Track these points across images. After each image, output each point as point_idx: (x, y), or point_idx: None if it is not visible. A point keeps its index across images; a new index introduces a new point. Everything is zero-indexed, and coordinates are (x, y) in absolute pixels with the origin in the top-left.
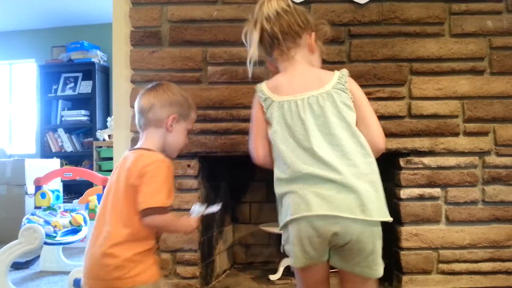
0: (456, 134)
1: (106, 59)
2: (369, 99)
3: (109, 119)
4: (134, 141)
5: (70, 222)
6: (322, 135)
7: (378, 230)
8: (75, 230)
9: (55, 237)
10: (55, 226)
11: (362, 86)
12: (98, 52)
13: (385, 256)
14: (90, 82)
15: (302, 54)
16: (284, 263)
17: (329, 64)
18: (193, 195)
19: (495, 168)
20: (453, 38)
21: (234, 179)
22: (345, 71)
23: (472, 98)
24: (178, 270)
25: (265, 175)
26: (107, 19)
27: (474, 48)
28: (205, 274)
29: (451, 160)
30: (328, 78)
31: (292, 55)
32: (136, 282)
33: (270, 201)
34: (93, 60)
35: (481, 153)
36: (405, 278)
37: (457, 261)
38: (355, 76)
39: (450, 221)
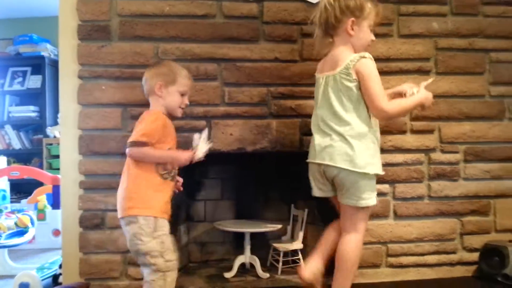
0: (403, 132)
1: (56, 53)
2: None
3: (59, 115)
4: (82, 139)
5: (15, 224)
6: (327, 106)
7: (352, 173)
8: (21, 232)
9: None
10: None
11: (313, 84)
12: (48, 46)
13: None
14: (39, 77)
15: (341, 38)
16: (238, 261)
17: (281, 62)
18: None
19: (440, 165)
20: (401, 38)
21: (189, 177)
22: (356, 57)
23: None
24: (129, 271)
25: (220, 173)
26: (55, 12)
27: (421, 49)
28: None
29: (399, 157)
30: (342, 62)
31: (333, 40)
32: (142, 213)
33: (225, 198)
34: (42, 54)
35: (427, 150)
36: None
37: (405, 254)
38: (307, 74)
39: (398, 216)
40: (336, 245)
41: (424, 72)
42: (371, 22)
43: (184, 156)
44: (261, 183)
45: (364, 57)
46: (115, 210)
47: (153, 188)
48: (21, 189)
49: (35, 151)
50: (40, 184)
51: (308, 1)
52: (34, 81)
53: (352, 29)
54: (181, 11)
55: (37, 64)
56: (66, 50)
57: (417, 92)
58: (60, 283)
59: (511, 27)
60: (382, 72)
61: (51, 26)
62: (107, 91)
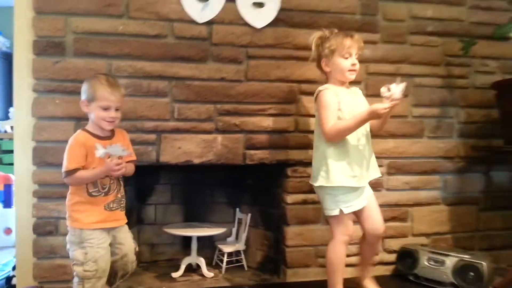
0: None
1: (8, 45)
2: (262, 115)
3: (11, 109)
4: (36, 150)
5: None
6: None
7: (319, 189)
8: None
9: None
10: None
11: (257, 103)
12: (0, 38)
13: (274, 252)
14: None
15: (328, 73)
16: (185, 261)
17: (228, 82)
18: None
19: None
20: None
21: (141, 183)
22: (320, 88)
23: None
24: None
25: (170, 179)
26: (9, 2)
27: None
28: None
29: None
30: None
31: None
32: (71, 224)
33: (174, 203)
34: None
35: None
36: (289, 271)
37: None
38: (251, 93)
39: (328, 222)
40: (367, 252)
41: None
42: (342, 52)
43: (109, 167)
44: (208, 188)
45: (320, 90)
46: None
47: (79, 205)
48: None
49: None
50: None
51: (253, 26)
52: None
53: (328, 66)
54: (135, 31)
55: None
56: (22, 64)
57: (388, 90)
58: (14, 285)
59: (433, 55)
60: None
61: (2, 17)
62: (61, 105)
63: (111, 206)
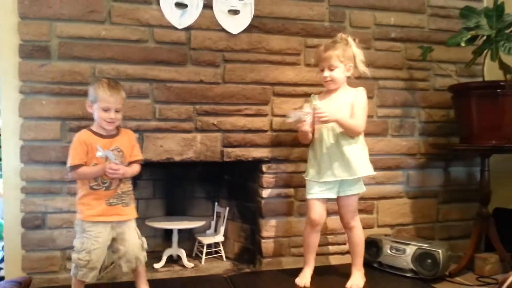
0: (306, 146)
1: None
2: (239, 115)
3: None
4: (24, 149)
5: None
6: None
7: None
8: None
9: None
10: None
11: (233, 104)
12: None
13: (251, 243)
14: None
15: None
16: (167, 253)
17: (206, 84)
18: None
19: None
20: (307, 67)
21: None
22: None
23: None
24: (67, 265)
25: (152, 175)
26: None
27: None
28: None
29: (303, 166)
30: None
31: None
32: (77, 216)
33: (156, 197)
34: None
35: None
36: (265, 261)
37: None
38: (228, 95)
39: (300, 214)
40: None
41: None
42: (318, 66)
43: (102, 169)
44: (188, 184)
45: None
46: (55, 213)
47: (83, 198)
48: None
49: None
50: None
51: (229, 32)
52: None
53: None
54: (117, 36)
55: None
56: (8, 66)
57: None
58: (1, 278)
59: (396, 60)
60: (290, 95)
61: None
62: (47, 106)
63: (111, 201)
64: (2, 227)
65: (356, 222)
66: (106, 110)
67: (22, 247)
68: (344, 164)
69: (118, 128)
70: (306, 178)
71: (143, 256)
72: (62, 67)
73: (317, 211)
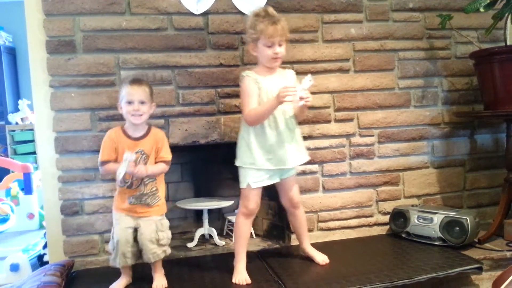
0: (328, 121)
1: (11, 40)
2: None
3: (20, 101)
4: (58, 140)
5: None
6: None
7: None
8: (3, 220)
9: None
10: None
11: None
12: (2, 33)
13: (279, 220)
14: None
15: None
16: (198, 233)
17: (226, 67)
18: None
19: (358, 146)
20: (324, 43)
21: None
22: (243, 73)
23: (340, 92)
24: (106, 248)
25: (179, 159)
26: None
27: (341, 52)
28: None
29: (325, 142)
30: None
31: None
32: None
33: (184, 180)
34: None
35: (348, 135)
36: (293, 236)
37: (332, 220)
38: None
39: (326, 190)
40: (294, 222)
41: (344, 71)
42: (264, 41)
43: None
44: (215, 166)
45: (243, 75)
46: (91, 199)
47: (116, 192)
48: None
49: None
50: (6, 170)
51: (246, 14)
52: None
53: (254, 50)
54: (137, 26)
55: None
56: (37, 62)
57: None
58: (46, 262)
59: (415, 30)
60: (309, 72)
61: (4, 13)
62: (76, 98)
63: (131, 200)
64: (43, 217)
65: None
66: (130, 103)
67: (63, 233)
68: (296, 149)
69: (148, 130)
70: (251, 167)
71: (161, 251)
72: (87, 60)
73: (257, 200)
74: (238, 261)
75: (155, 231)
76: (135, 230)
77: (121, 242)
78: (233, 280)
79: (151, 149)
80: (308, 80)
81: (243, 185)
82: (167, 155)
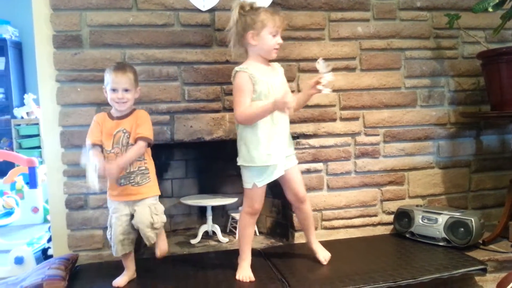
0: (334, 120)
1: (18, 35)
2: None
3: (25, 96)
4: (63, 134)
5: (2, 206)
6: None
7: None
8: (8, 213)
9: None
10: None
11: None
12: (9, 28)
13: (282, 218)
14: (2, 59)
15: (249, 49)
16: (202, 229)
17: (231, 64)
18: None
19: (364, 146)
20: (331, 41)
21: (157, 160)
22: (237, 68)
23: (346, 91)
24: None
25: (184, 155)
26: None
27: (348, 50)
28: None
29: (330, 141)
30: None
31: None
32: None
33: (189, 177)
34: (4, 36)
35: (353, 134)
36: (297, 234)
37: (336, 218)
38: None
39: (330, 188)
40: (300, 218)
41: (351, 70)
42: (271, 29)
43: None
44: (219, 162)
45: (237, 71)
46: (95, 193)
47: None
48: None
49: (3, 131)
50: (11, 164)
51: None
52: None
53: (254, 39)
54: (144, 21)
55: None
56: (43, 57)
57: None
58: (50, 256)
59: (422, 29)
60: (315, 70)
61: (10, 8)
62: (82, 93)
63: (120, 181)
64: (47, 211)
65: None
66: (114, 90)
67: (67, 227)
68: (289, 140)
69: (132, 111)
70: (254, 165)
71: (155, 234)
72: (94, 55)
73: (262, 199)
74: (243, 259)
75: (150, 215)
76: (132, 216)
77: (118, 230)
78: (237, 277)
79: (131, 126)
80: (324, 64)
81: (248, 185)
82: (145, 131)
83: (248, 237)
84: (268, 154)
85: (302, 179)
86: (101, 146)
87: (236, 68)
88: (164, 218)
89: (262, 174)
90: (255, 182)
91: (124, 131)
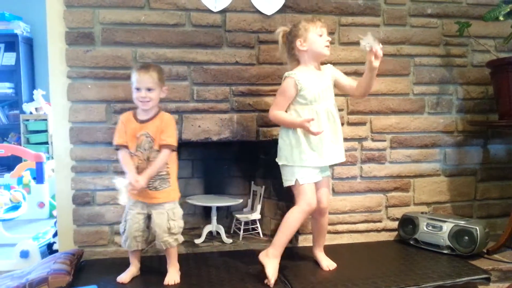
0: (341, 124)
1: (29, 30)
2: (273, 95)
3: (35, 91)
4: (73, 130)
5: (10, 200)
6: None
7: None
8: (15, 207)
9: None
10: None
11: (268, 84)
12: (21, 23)
13: None
14: (13, 54)
15: (300, 56)
16: (206, 229)
17: (241, 65)
18: None
19: (370, 151)
20: (341, 46)
21: None
22: (286, 74)
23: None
24: (116, 239)
25: (191, 155)
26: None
27: (357, 55)
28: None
29: None
30: None
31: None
32: None
33: (195, 177)
34: (15, 31)
35: (360, 139)
36: (300, 237)
37: (340, 223)
38: (263, 76)
39: (335, 192)
40: (314, 226)
41: (359, 74)
42: (316, 30)
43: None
44: (226, 163)
45: (286, 76)
46: (102, 190)
47: None
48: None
49: (11, 126)
50: (19, 158)
51: (263, 13)
52: (8, 58)
53: (303, 45)
54: (155, 21)
55: (11, 42)
56: (55, 53)
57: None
58: (55, 251)
59: (432, 36)
60: None
61: (23, 3)
62: (92, 90)
63: None
64: (53, 206)
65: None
66: (138, 89)
67: (73, 222)
68: (337, 147)
69: (156, 113)
70: (297, 164)
71: (172, 239)
72: (105, 52)
73: (314, 196)
74: (276, 255)
75: (167, 220)
76: (148, 217)
77: (133, 227)
78: (267, 272)
79: (156, 131)
80: (372, 38)
81: (291, 182)
82: (169, 138)
83: (292, 234)
84: (314, 157)
85: (329, 192)
86: (127, 147)
87: (286, 73)
88: (181, 223)
89: (306, 172)
90: (297, 178)
91: (147, 135)
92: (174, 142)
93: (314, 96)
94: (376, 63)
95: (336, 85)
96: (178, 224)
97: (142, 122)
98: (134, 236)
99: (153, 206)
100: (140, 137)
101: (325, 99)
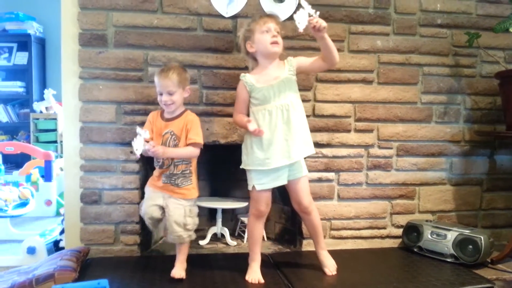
0: (348, 131)
1: (42, 31)
2: None
3: (46, 91)
4: (83, 130)
5: (18, 196)
6: None
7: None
8: (23, 204)
9: (6, 210)
10: (6, 200)
11: None
12: (34, 24)
13: (291, 225)
14: (26, 54)
15: (257, 56)
16: (211, 231)
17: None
18: (135, 177)
19: (377, 158)
20: (350, 53)
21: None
22: (241, 76)
23: (362, 103)
24: (121, 238)
25: (198, 157)
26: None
27: (366, 63)
28: (145, 241)
29: (343, 151)
30: None
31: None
32: None
33: (200, 179)
34: (28, 32)
35: (367, 146)
36: (305, 242)
37: (345, 228)
38: None
39: (340, 198)
40: (308, 227)
41: (368, 82)
42: (260, 29)
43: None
44: (232, 167)
45: (240, 78)
46: (110, 189)
47: (155, 171)
48: (8, 160)
49: (21, 124)
50: (28, 156)
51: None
52: (20, 58)
53: (251, 46)
54: (167, 24)
55: (24, 42)
56: (68, 54)
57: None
58: (61, 248)
59: (441, 46)
60: (333, 81)
61: (36, 4)
62: (104, 90)
63: (163, 179)
64: (60, 204)
65: (313, 205)
66: (160, 94)
67: (80, 220)
68: (297, 144)
69: (182, 113)
70: (253, 168)
71: (187, 235)
72: (117, 54)
73: (267, 202)
74: (253, 259)
75: (183, 216)
76: (162, 209)
77: (146, 216)
78: (247, 278)
79: (181, 130)
80: (305, 14)
81: (249, 187)
82: (195, 137)
83: (255, 239)
84: (266, 158)
85: (308, 190)
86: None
87: (241, 75)
88: (197, 221)
89: (262, 178)
90: (254, 185)
91: (172, 133)
92: (201, 140)
93: (264, 95)
94: (321, 34)
95: (303, 70)
96: (194, 221)
97: (168, 120)
98: (149, 223)
99: (171, 198)
100: (165, 135)
101: (280, 97)
